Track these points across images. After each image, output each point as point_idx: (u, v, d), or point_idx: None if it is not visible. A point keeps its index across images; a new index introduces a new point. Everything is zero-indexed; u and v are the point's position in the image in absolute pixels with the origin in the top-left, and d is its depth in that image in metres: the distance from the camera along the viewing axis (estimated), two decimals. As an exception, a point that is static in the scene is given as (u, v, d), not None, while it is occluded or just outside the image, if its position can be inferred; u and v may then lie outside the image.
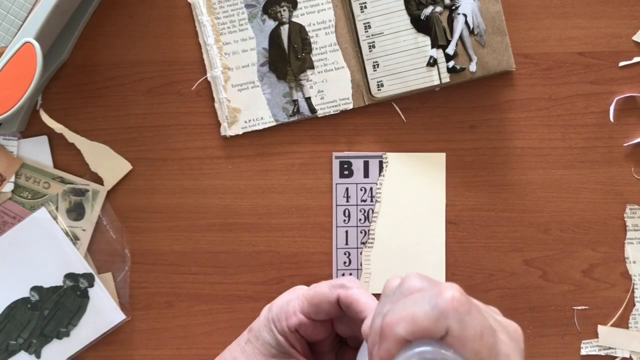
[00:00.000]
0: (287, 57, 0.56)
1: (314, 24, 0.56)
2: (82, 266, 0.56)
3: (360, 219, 0.57)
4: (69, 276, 0.56)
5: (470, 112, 0.57)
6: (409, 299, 0.35)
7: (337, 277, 0.57)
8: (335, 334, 0.48)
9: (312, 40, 0.56)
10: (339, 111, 0.57)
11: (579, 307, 0.57)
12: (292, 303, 0.47)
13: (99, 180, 0.57)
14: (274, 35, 0.56)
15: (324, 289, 0.46)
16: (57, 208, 0.57)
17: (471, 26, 0.55)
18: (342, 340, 0.50)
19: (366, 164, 0.57)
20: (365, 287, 0.47)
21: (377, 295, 0.57)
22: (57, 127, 0.56)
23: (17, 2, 0.51)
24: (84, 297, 0.57)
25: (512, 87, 0.57)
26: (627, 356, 0.57)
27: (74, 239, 0.57)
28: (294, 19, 0.56)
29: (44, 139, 0.57)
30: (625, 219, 0.57)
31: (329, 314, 0.46)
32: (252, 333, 0.48)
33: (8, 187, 0.56)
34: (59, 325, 0.57)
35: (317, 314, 0.46)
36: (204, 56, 0.57)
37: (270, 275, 0.57)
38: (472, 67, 0.55)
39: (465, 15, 0.54)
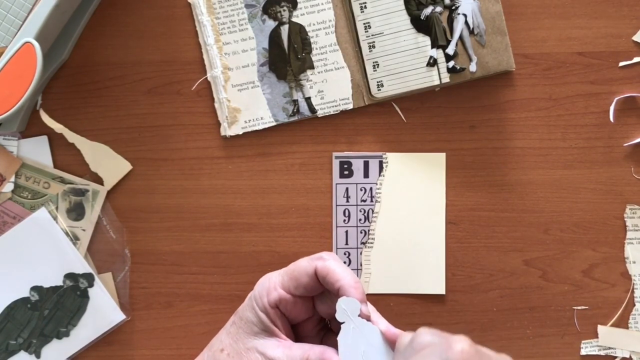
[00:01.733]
0: (287, 57, 0.56)
1: (314, 24, 0.56)
2: (82, 266, 0.56)
3: (360, 219, 0.57)
4: (69, 276, 0.56)
5: (470, 112, 0.57)
6: (420, 354, 0.38)
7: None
8: (319, 319, 0.49)
9: (312, 40, 0.56)
10: (339, 111, 0.57)
11: (579, 307, 0.57)
12: (272, 279, 0.48)
13: (99, 180, 0.57)
14: (274, 35, 0.56)
15: (302, 262, 0.47)
16: (57, 208, 0.57)
17: (471, 26, 0.55)
18: (327, 327, 0.50)
19: (366, 164, 0.57)
20: (341, 260, 0.48)
21: (377, 295, 0.57)
22: (57, 127, 0.56)
23: (17, 2, 0.51)
24: (84, 297, 0.57)
25: (512, 87, 0.57)
26: (627, 356, 0.57)
27: (74, 239, 0.57)
28: (294, 19, 0.56)
29: (44, 139, 0.57)
30: (625, 219, 0.57)
31: (308, 288, 0.46)
32: (237, 315, 0.49)
33: (8, 187, 0.56)
34: (59, 325, 0.57)
35: (296, 288, 0.46)
36: (204, 56, 0.57)
37: (270, 275, 0.57)
38: (472, 67, 0.55)
39: (465, 15, 0.54)
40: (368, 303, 0.46)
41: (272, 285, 0.47)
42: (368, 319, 0.44)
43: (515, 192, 0.57)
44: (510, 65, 0.55)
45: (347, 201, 0.57)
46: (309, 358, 0.45)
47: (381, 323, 0.45)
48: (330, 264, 0.46)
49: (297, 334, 0.49)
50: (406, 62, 0.55)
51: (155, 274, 0.57)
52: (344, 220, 0.57)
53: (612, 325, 0.57)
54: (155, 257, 0.57)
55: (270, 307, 0.46)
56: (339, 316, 0.44)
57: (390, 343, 0.44)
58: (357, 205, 0.57)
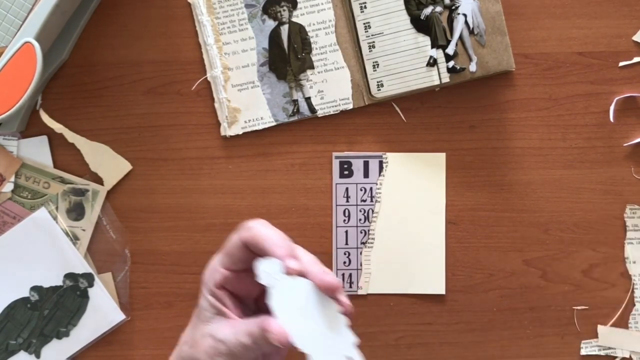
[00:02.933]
0: (287, 57, 0.56)
1: (314, 24, 0.56)
2: (82, 266, 0.56)
3: (360, 219, 0.57)
4: (69, 276, 0.56)
5: (470, 112, 0.57)
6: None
7: (337, 277, 0.57)
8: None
9: (312, 40, 0.56)
10: (339, 111, 0.57)
11: (579, 307, 0.57)
12: (214, 260, 0.47)
13: (99, 180, 0.57)
14: (274, 35, 0.56)
15: (233, 236, 0.46)
16: (57, 208, 0.57)
17: (471, 26, 0.55)
18: None
19: (366, 164, 0.57)
20: (270, 225, 0.46)
21: (377, 295, 0.57)
22: (57, 127, 0.56)
23: (17, 2, 0.51)
24: (84, 297, 0.57)
25: (512, 87, 0.57)
26: (627, 356, 0.57)
27: (74, 239, 0.57)
28: (293, 19, 0.56)
29: (44, 139, 0.57)
30: (625, 219, 0.57)
31: (244, 260, 0.45)
32: (196, 308, 0.48)
33: (8, 187, 0.56)
34: (59, 325, 0.57)
35: (234, 263, 0.46)
36: (204, 56, 0.57)
37: (270, 275, 0.57)
38: (472, 67, 0.55)
39: (465, 15, 0.54)
40: (301, 254, 0.45)
41: (214, 266, 0.46)
42: (299, 274, 0.43)
43: (515, 192, 0.57)
44: (510, 65, 0.55)
45: (347, 201, 0.57)
46: (251, 331, 0.44)
47: (315, 273, 0.43)
48: (255, 231, 0.44)
49: (258, 308, 0.48)
50: (406, 62, 0.55)
51: (155, 274, 0.57)
52: (344, 220, 0.57)
53: (612, 325, 0.57)
54: (155, 257, 0.57)
55: (217, 288, 0.46)
56: (262, 280, 0.43)
57: (327, 291, 0.43)
58: (357, 205, 0.57)
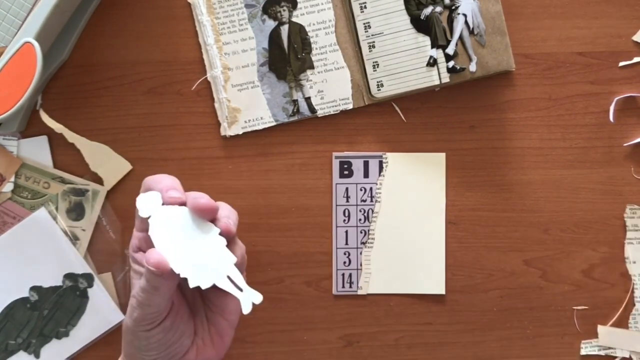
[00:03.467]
0: (287, 57, 0.56)
1: (314, 24, 0.56)
2: (82, 266, 0.56)
3: (360, 219, 0.57)
4: (69, 276, 0.56)
5: (470, 112, 0.57)
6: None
7: (337, 277, 0.57)
8: None
9: (312, 40, 0.56)
10: (339, 111, 0.57)
11: (579, 307, 0.57)
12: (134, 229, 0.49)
13: (99, 180, 0.57)
14: (274, 35, 0.56)
15: None
16: (57, 208, 0.57)
17: (471, 26, 0.55)
18: None
19: (366, 164, 0.57)
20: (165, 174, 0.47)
21: (377, 295, 0.57)
22: (57, 127, 0.56)
23: (17, 2, 0.51)
24: (84, 297, 0.57)
25: (512, 87, 0.57)
26: (627, 356, 0.57)
27: (74, 239, 0.57)
28: (293, 19, 0.56)
29: (44, 139, 0.57)
30: (625, 219, 0.57)
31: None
32: None
33: (8, 187, 0.56)
34: (58, 325, 0.56)
35: (142, 222, 0.47)
36: (204, 56, 0.57)
37: (270, 275, 0.57)
38: (472, 67, 0.55)
39: (465, 15, 0.54)
40: (177, 187, 0.46)
41: (133, 233, 0.48)
42: (179, 203, 0.44)
43: (515, 192, 0.57)
44: (510, 65, 0.55)
45: (347, 201, 0.57)
46: (141, 271, 0.45)
47: (190, 199, 0.44)
48: (145, 179, 0.46)
49: None
50: (406, 62, 0.55)
51: (155, 274, 0.57)
52: (344, 220, 0.57)
53: (612, 325, 0.57)
54: (155, 257, 0.57)
55: (134, 252, 0.47)
56: (141, 212, 0.44)
57: (202, 214, 0.44)
58: (357, 205, 0.57)
